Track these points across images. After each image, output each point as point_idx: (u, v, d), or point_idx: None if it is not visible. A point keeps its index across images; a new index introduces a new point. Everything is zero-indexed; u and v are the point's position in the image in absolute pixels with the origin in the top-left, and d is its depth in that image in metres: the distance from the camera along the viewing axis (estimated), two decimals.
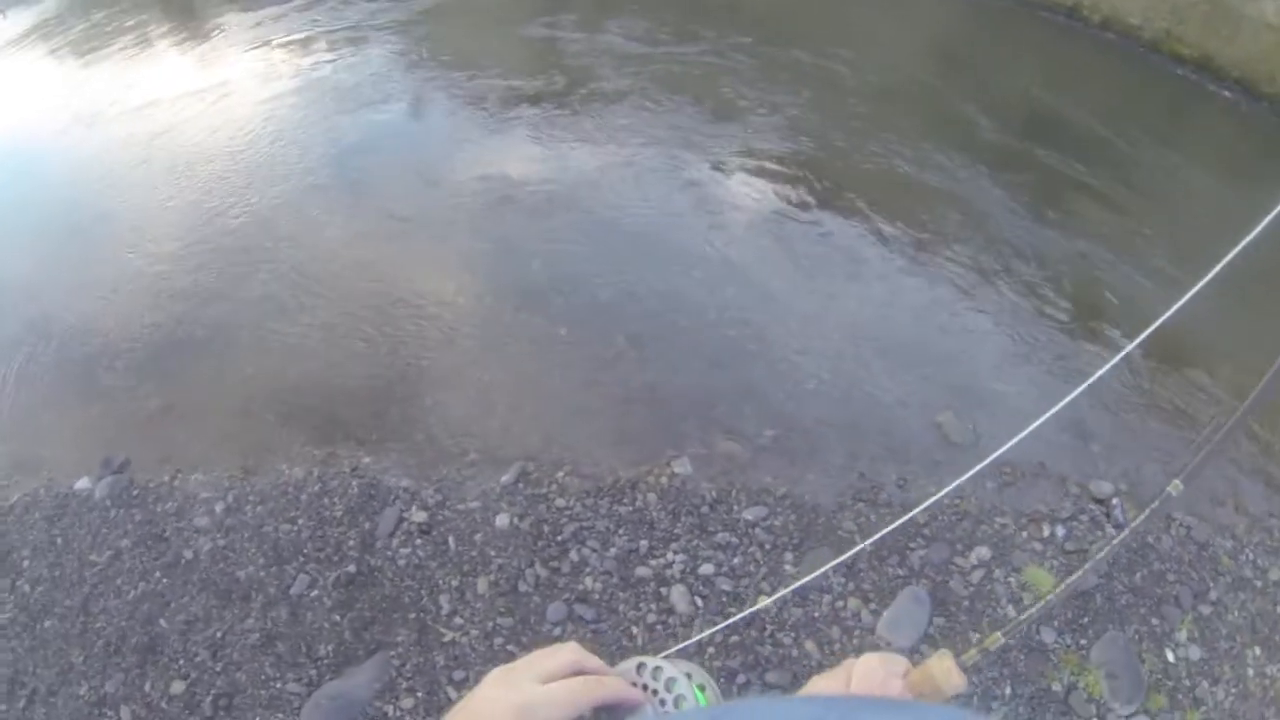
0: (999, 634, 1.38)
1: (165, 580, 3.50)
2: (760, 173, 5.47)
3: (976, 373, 4.07)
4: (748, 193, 5.30)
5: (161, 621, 3.37)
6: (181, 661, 3.24)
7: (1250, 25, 6.73)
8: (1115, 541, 1.36)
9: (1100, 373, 1.90)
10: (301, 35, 8.07)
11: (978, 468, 2.19)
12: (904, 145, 5.65)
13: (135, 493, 3.86)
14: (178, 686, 3.18)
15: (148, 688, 3.19)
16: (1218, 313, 4.11)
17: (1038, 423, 2.06)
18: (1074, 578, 1.28)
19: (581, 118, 6.13)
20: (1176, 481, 1.39)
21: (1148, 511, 1.32)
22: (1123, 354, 1.86)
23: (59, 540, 3.72)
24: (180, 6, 9.44)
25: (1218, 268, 1.57)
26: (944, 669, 1.01)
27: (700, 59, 6.84)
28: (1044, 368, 4.15)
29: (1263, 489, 3.64)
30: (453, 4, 8.41)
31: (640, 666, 0.79)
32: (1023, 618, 1.44)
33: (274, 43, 8.03)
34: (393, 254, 4.95)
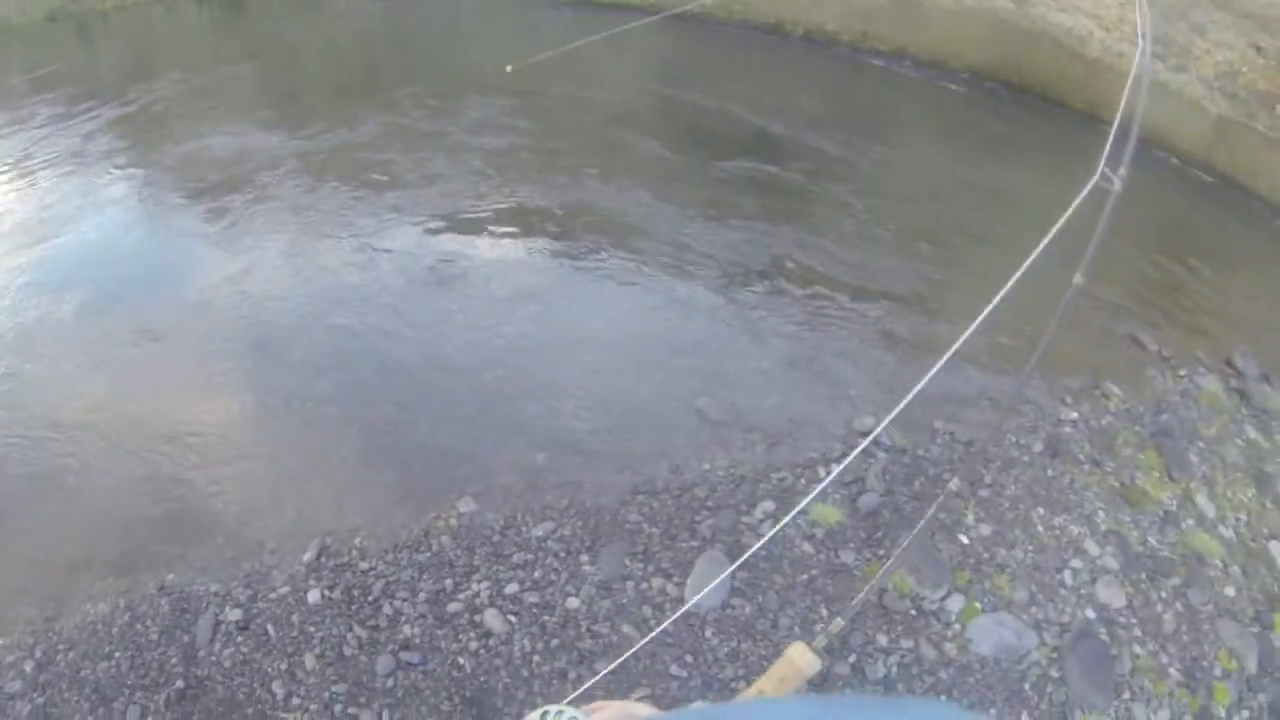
0: (840, 619, 1.77)
1: None
2: (483, 230, 5.88)
3: (719, 357, 4.63)
4: (478, 252, 5.67)
5: None
6: None
7: (935, 13, 7.87)
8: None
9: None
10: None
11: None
12: (627, 179, 6.17)
13: None
14: None
15: None
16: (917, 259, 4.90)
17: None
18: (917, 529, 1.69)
19: (302, 211, 6.25)
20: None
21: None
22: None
23: None
24: None
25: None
26: (800, 654, 1.35)
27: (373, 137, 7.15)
28: (780, 339, 4.77)
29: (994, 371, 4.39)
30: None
31: (544, 715, 0.88)
32: (855, 602, 1.84)
33: None
34: (150, 373, 4.91)
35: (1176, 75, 7.20)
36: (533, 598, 3.57)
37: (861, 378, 4.49)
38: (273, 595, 3.77)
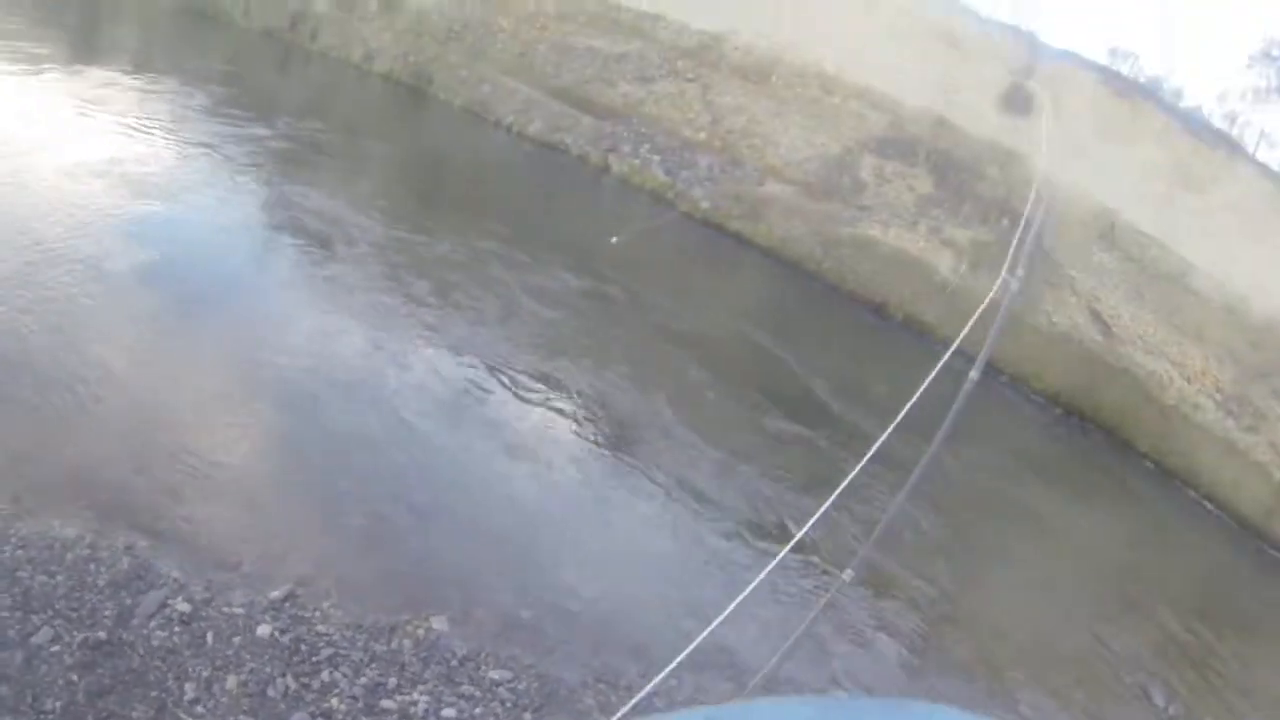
0: None
1: None
2: (573, 390, 6.65)
3: (725, 591, 5.07)
4: (534, 407, 6.38)
5: None
6: None
7: (1027, 329, 8.73)
8: None
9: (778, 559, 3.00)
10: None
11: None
12: (713, 385, 7.10)
13: None
14: None
15: None
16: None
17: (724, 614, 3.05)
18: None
19: (378, 295, 7.06)
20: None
21: None
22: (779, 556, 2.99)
23: None
24: None
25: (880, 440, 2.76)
26: None
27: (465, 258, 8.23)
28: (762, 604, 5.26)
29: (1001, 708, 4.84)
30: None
31: None
32: None
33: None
34: (216, 380, 5.33)
35: (1247, 436, 7.60)
36: None
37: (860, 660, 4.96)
38: (226, 609, 3.84)
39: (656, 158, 11.27)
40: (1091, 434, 8.78)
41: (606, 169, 11.32)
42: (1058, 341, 9.20)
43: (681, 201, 10.76)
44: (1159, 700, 5.61)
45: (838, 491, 3.85)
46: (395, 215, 8.46)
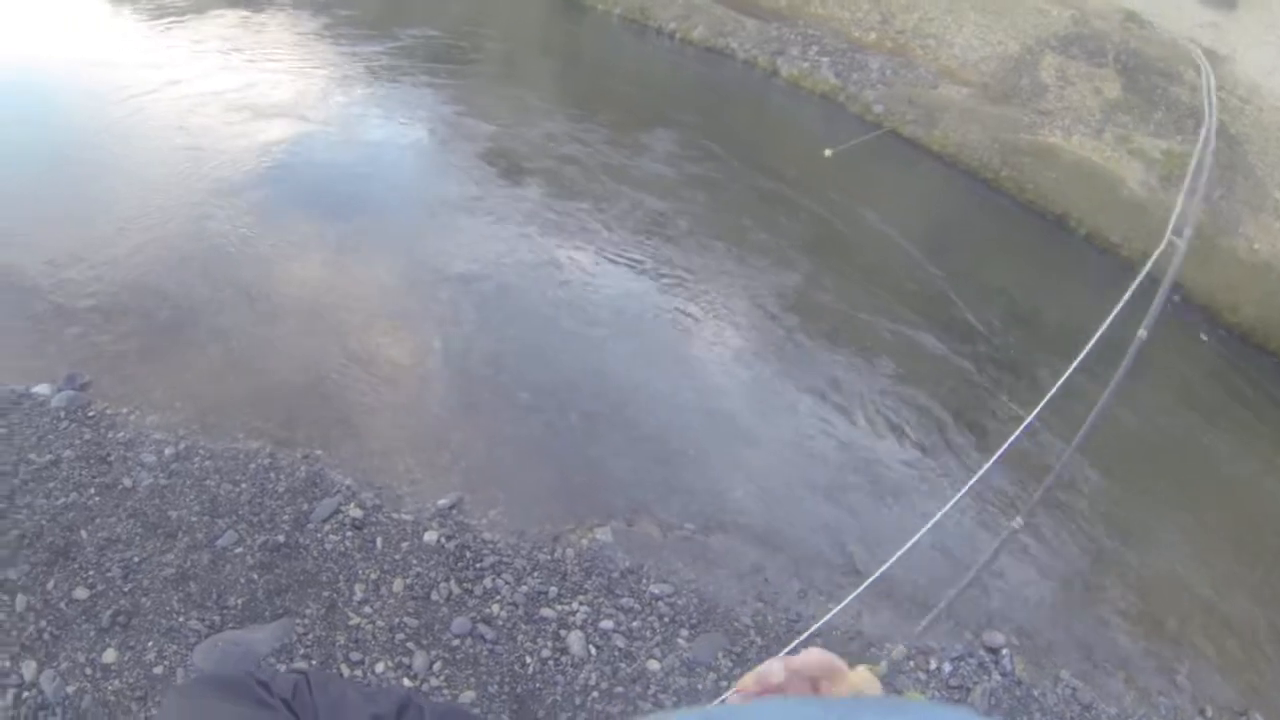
0: (901, 646, 1.84)
1: (98, 498, 3.63)
2: (753, 299, 6.29)
3: (895, 514, 4.72)
4: (732, 314, 6.07)
5: (83, 532, 3.48)
6: (91, 572, 3.35)
7: (1225, 254, 7.81)
8: None
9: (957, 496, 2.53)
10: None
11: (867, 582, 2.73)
12: (886, 310, 6.57)
13: (91, 414, 4.02)
14: (81, 592, 3.28)
15: (51, 585, 3.28)
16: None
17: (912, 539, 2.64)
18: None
19: (566, 206, 6.94)
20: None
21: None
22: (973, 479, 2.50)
23: (1, 431, 3.82)
24: None
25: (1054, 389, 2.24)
26: (862, 677, 1.26)
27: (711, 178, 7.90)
28: (964, 527, 4.80)
29: (1154, 667, 4.27)
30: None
31: None
32: (919, 628, 1.93)
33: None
34: (388, 291, 5.43)
35: None
36: (620, 642, 3.55)
37: (1013, 596, 4.40)
38: (395, 516, 3.89)
39: (825, 60, 10.44)
40: None
41: (775, 73, 10.61)
42: (1259, 271, 7.89)
43: (853, 104, 10.00)
44: None
45: (1012, 441, 3.28)
46: (560, 128, 8.29)
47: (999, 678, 3.88)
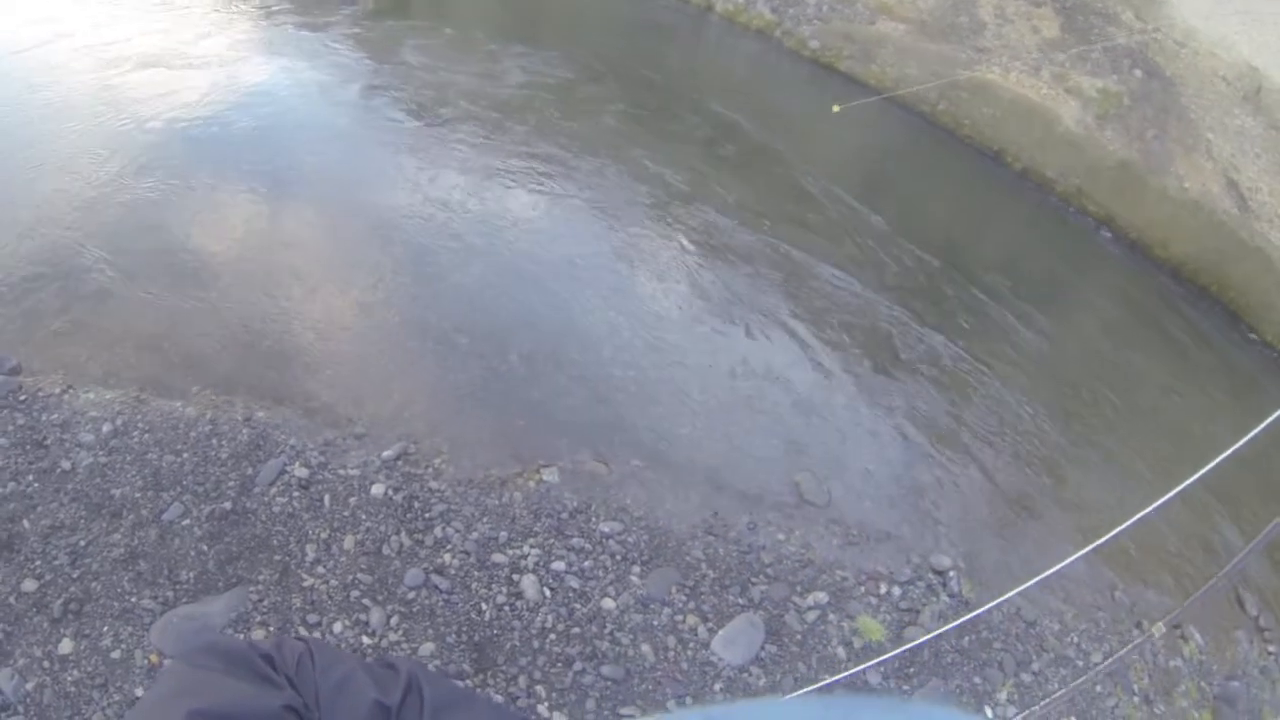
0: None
1: (36, 484, 3.60)
2: (684, 231, 6.17)
3: (835, 441, 4.77)
4: (665, 248, 5.96)
5: (25, 522, 3.47)
6: (38, 562, 3.36)
7: (1155, 193, 8.00)
8: None
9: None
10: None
11: None
12: (820, 243, 6.47)
13: (22, 397, 3.94)
14: (29, 585, 3.29)
15: None
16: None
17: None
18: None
19: (506, 152, 6.68)
20: (1160, 624, 1.92)
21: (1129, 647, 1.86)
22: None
23: None
24: None
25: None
26: None
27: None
28: (897, 447, 4.87)
29: (1093, 584, 4.40)
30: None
31: None
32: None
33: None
34: (320, 242, 5.28)
35: None
36: (574, 582, 3.60)
37: (956, 518, 4.52)
38: (341, 471, 3.89)
39: None
40: (1213, 313, 7.64)
41: (709, 8, 10.23)
42: (1187, 209, 8.03)
43: (788, 40, 9.73)
44: (1251, 609, 4.77)
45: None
46: (491, 67, 7.92)
47: (947, 599, 3.98)
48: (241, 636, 3.29)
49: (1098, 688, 3.85)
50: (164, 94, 6.49)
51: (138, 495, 3.63)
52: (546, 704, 3.26)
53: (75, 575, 3.34)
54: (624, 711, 3.23)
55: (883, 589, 3.94)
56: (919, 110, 8.96)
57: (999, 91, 9.01)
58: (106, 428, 3.88)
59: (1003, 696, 3.70)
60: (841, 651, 3.62)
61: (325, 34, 8.00)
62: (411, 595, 3.48)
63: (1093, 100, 8.78)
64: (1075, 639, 4.06)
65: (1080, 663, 3.97)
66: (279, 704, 0.84)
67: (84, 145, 5.75)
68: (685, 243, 6.06)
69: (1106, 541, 2.64)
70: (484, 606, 3.49)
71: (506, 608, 3.50)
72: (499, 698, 3.24)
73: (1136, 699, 3.94)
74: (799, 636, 3.64)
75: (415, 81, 7.44)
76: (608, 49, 8.95)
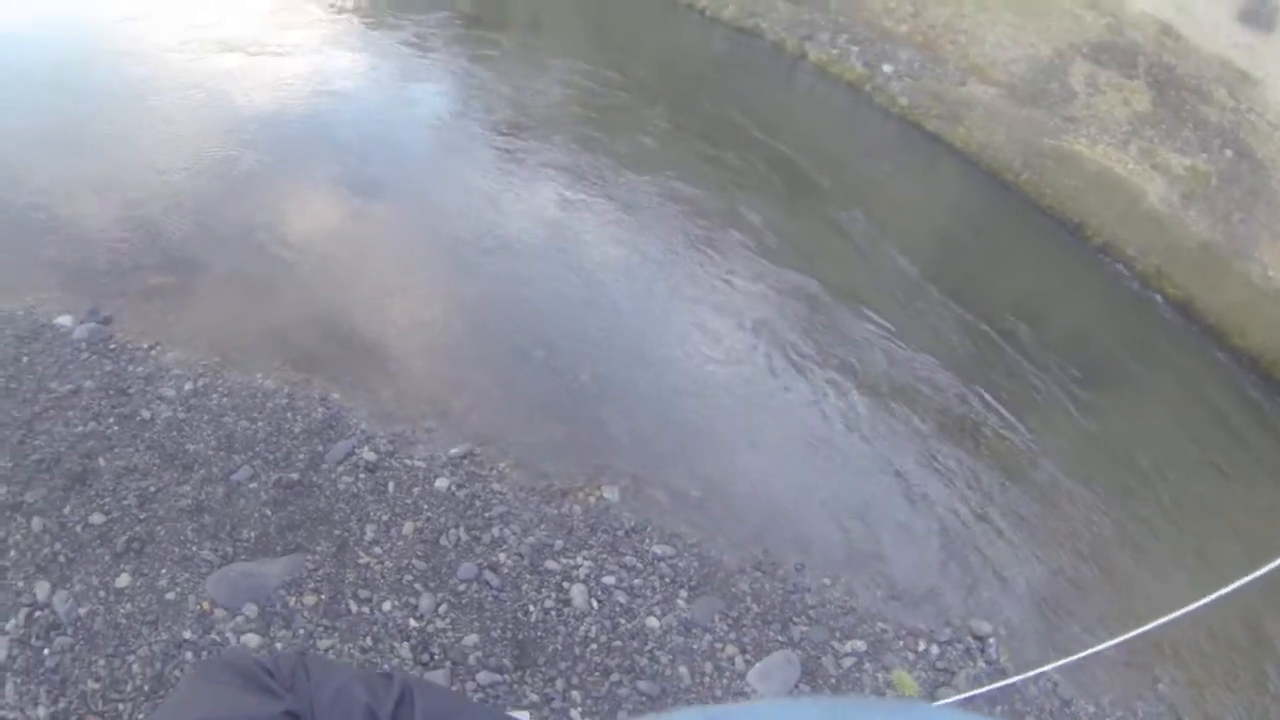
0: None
1: (116, 428, 3.68)
2: (765, 280, 6.31)
3: (888, 492, 4.81)
4: (745, 295, 6.07)
5: (100, 460, 3.54)
6: (108, 499, 3.41)
7: (1237, 279, 7.78)
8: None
9: None
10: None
11: None
12: (894, 305, 6.59)
13: (112, 346, 4.07)
14: (97, 518, 3.33)
15: (67, 510, 3.33)
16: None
17: None
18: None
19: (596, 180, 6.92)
20: None
21: None
22: None
23: (24, 359, 3.87)
24: None
25: None
26: None
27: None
28: (948, 507, 4.88)
29: (1136, 672, 4.32)
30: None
31: None
32: None
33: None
34: (408, 244, 5.49)
35: None
36: (621, 598, 3.60)
37: (1002, 587, 4.47)
38: (408, 461, 3.94)
39: (855, 48, 10.31)
40: None
41: (803, 56, 10.51)
42: (1270, 297, 7.77)
43: (879, 95, 9.89)
44: None
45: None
46: (584, 95, 8.27)
47: (984, 665, 3.93)
48: (292, 601, 3.30)
49: None
50: (265, 85, 6.87)
51: (210, 453, 3.69)
52: (580, 709, 3.22)
53: (142, 517, 3.38)
54: (624, 710, 3.20)
55: (921, 646, 3.89)
56: (1003, 178, 8.98)
57: (1084, 163, 8.94)
58: (188, 386, 3.98)
59: None
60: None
61: (425, 44, 8.46)
62: (463, 587, 3.48)
63: (1180, 178, 8.62)
64: None
65: None
66: (279, 710, 0.91)
67: (192, 127, 6.06)
68: (767, 291, 6.20)
69: (1153, 629, 2.59)
70: (531, 608, 3.48)
71: (553, 612, 3.49)
72: (534, 696, 3.22)
73: None
74: (833, 680, 3.59)
75: (511, 100, 7.81)
76: (702, 90, 9.25)
